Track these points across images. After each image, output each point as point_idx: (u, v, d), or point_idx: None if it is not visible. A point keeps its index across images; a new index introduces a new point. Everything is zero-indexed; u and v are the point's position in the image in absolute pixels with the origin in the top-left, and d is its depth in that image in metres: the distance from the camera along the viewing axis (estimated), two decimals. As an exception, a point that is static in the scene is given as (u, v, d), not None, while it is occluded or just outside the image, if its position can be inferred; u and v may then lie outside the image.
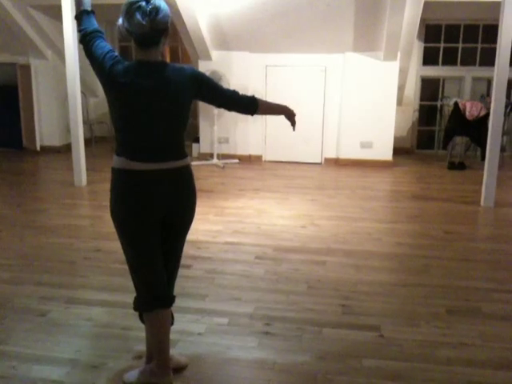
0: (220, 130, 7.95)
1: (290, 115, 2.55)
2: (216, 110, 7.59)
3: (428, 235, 4.61)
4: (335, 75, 7.68)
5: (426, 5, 6.76)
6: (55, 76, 8.33)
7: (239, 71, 7.77)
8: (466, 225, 4.97)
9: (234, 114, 7.77)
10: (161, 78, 2.13)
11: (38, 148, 8.72)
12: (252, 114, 2.45)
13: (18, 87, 8.60)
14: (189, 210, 2.33)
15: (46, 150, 8.68)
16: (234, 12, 6.97)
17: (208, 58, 7.78)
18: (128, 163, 2.12)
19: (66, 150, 8.27)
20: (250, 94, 2.49)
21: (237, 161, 7.98)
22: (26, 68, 8.42)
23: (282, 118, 2.54)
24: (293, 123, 2.56)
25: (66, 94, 6.27)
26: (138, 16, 2.02)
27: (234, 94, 2.39)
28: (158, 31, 2.09)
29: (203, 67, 7.71)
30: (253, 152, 8.14)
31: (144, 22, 2.02)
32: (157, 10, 2.05)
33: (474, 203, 5.66)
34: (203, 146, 8.25)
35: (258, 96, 2.49)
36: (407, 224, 4.96)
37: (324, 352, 2.68)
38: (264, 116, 7.40)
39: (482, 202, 5.59)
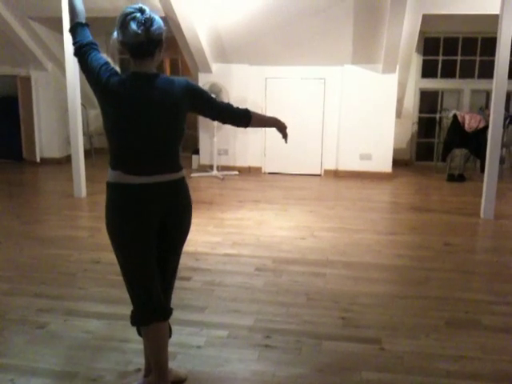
0: (220, 141, 7.97)
1: (281, 128, 2.56)
2: (216, 122, 7.61)
3: (427, 247, 4.60)
4: (334, 87, 7.72)
5: (424, 18, 6.81)
6: (55, 88, 8.37)
7: (239, 83, 7.81)
8: (465, 237, 4.97)
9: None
10: (156, 89, 2.13)
11: (38, 159, 8.74)
12: (245, 127, 2.46)
13: (18, 99, 8.63)
14: (185, 222, 2.33)
15: (46, 162, 8.70)
16: (234, 25, 7.02)
17: (208, 70, 7.82)
18: (124, 177, 2.12)
19: (66, 161, 8.28)
20: (249, 105, 2.50)
21: (236, 172, 8.00)
22: (27, 80, 8.46)
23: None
24: (284, 136, 2.57)
25: (67, 105, 6.29)
26: (134, 26, 2.04)
27: (228, 106, 2.40)
28: (153, 42, 2.10)
29: (203, 79, 7.75)
30: (252, 164, 8.16)
31: (140, 31, 2.04)
32: (151, 20, 2.07)
33: (473, 215, 5.66)
34: (203, 158, 8.27)
35: (257, 108, 2.50)
36: (407, 236, 4.96)
37: (323, 364, 2.66)
38: (263, 128, 7.42)
39: (481, 214, 5.59)
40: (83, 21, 2.28)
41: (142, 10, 2.07)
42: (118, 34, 2.10)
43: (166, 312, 2.30)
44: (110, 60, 2.26)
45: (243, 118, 2.42)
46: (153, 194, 2.15)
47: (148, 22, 2.06)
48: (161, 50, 2.17)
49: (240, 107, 2.45)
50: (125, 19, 2.06)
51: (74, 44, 2.25)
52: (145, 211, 2.15)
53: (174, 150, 2.24)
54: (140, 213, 2.14)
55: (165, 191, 2.18)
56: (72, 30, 2.27)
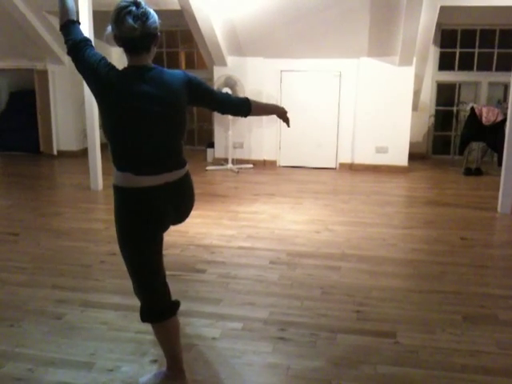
0: (235, 135, 7.98)
1: (281, 114, 2.55)
2: (231, 116, 7.61)
3: (444, 241, 4.57)
4: (350, 80, 7.67)
5: (441, 9, 6.74)
6: (72, 81, 8.42)
7: (254, 76, 7.79)
8: (482, 231, 4.93)
9: (248, 119, 7.71)
10: (158, 84, 2.11)
11: (55, 152, 8.83)
12: (245, 116, 2.45)
13: (35, 92, 8.71)
14: (188, 213, 2.36)
15: (63, 155, 8.78)
16: (249, 18, 7.00)
17: (223, 63, 7.82)
18: (134, 179, 2.09)
19: (83, 154, 8.34)
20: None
21: (251, 166, 8.00)
22: (44, 73, 8.53)
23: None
24: (286, 120, 2.56)
25: (83, 98, 6.33)
26: (130, 20, 2.00)
27: (227, 96, 2.39)
28: (149, 36, 2.07)
29: (218, 72, 7.76)
30: (267, 157, 8.15)
31: (136, 26, 2.00)
32: (147, 14, 2.04)
33: (490, 209, 5.61)
34: (218, 151, 8.29)
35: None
36: (423, 230, 4.93)
37: (338, 358, 2.66)
38: (278, 121, 7.40)
39: (498, 208, 5.53)
40: (74, 18, 2.24)
41: (137, 4, 2.03)
42: (112, 28, 2.06)
43: (172, 308, 2.30)
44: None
45: (243, 108, 2.40)
46: (164, 195, 2.15)
47: (144, 16, 2.02)
48: (156, 43, 2.14)
49: (239, 96, 2.44)
50: (120, 13, 2.01)
51: (66, 42, 2.20)
52: (159, 213, 2.15)
53: (179, 145, 2.22)
54: (154, 215, 2.15)
55: (175, 190, 2.18)
56: (63, 28, 2.22)
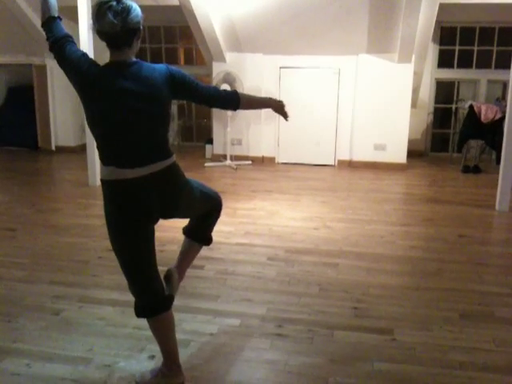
0: (233, 131, 7.97)
1: (277, 107, 2.51)
2: (230, 112, 7.59)
3: (441, 239, 4.57)
4: (349, 77, 7.67)
5: (441, 7, 6.73)
6: (70, 77, 8.39)
7: (253, 73, 7.78)
8: (480, 229, 4.93)
9: (247, 115, 7.70)
10: (139, 79, 2.10)
11: (53, 148, 8.81)
12: (234, 110, 2.43)
13: (33, 87, 8.69)
14: (179, 205, 2.34)
15: (61, 150, 8.77)
16: (248, 14, 6.99)
17: (222, 59, 7.80)
18: (118, 172, 2.10)
19: (81, 149, 8.33)
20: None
21: (249, 162, 7.99)
22: (42, 68, 8.51)
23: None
24: (283, 114, 2.51)
25: (81, 94, 6.31)
26: (110, 15, 1.99)
27: (214, 90, 2.37)
28: (130, 31, 2.06)
29: (217, 69, 7.75)
30: (266, 154, 8.15)
31: (116, 21, 2.00)
32: (128, 9, 2.03)
33: (488, 207, 5.61)
34: (216, 148, 8.28)
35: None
36: (420, 227, 4.93)
37: (335, 355, 2.67)
38: (277, 118, 7.38)
39: (496, 206, 5.54)
40: (56, 14, 2.25)
41: None
42: (93, 23, 2.06)
43: (166, 302, 2.30)
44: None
45: (231, 101, 2.38)
46: (150, 186, 2.14)
47: (125, 12, 2.02)
48: (138, 38, 2.14)
49: (228, 90, 2.43)
50: (101, 8, 2.01)
51: (48, 39, 2.21)
52: (145, 204, 2.15)
53: (162, 138, 2.22)
54: (141, 206, 2.14)
55: (160, 181, 2.17)
56: (45, 25, 2.24)
